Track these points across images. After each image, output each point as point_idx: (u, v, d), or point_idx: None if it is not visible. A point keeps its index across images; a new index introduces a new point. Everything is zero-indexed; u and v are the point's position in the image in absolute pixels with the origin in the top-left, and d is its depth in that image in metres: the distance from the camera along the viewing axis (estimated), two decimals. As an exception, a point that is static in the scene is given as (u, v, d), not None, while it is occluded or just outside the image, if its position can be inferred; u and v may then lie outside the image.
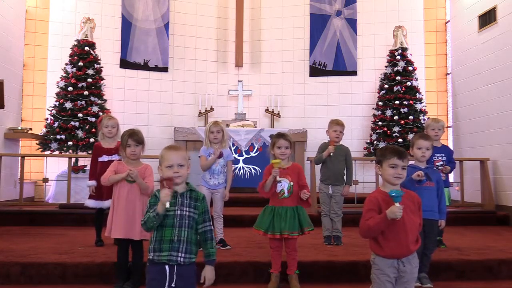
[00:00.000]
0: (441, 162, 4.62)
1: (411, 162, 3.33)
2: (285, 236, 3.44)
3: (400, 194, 2.38)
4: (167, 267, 2.29)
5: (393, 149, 2.54)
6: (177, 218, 2.32)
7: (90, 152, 4.74)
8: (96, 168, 4.51)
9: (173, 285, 2.28)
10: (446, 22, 8.78)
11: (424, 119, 7.77)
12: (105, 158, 4.47)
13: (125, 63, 8.77)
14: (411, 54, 8.34)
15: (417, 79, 8.23)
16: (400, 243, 2.45)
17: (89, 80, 7.53)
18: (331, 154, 4.67)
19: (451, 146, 8.08)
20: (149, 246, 2.34)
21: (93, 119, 7.30)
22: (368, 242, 2.59)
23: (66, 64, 7.67)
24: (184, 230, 2.32)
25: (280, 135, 3.60)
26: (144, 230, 2.38)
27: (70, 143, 7.19)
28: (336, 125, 4.76)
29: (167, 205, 2.26)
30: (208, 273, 2.36)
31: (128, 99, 8.74)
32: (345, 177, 4.81)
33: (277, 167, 3.44)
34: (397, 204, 2.36)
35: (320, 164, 4.86)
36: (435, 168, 4.50)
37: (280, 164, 3.45)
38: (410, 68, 8.15)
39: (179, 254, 2.29)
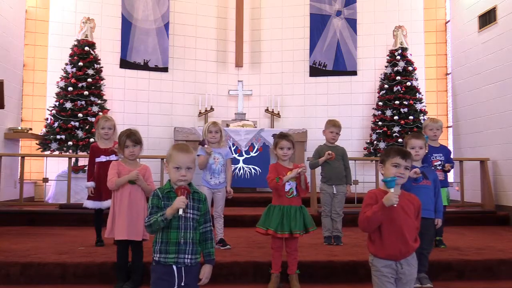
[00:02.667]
0: (439, 162, 4.63)
1: None
2: (297, 235, 3.45)
3: (393, 179, 2.39)
4: (174, 267, 2.30)
5: (397, 149, 2.57)
6: (182, 220, 2.32)
7: (89, 152, 4.72)
8: (94, 169, 4.51)
9: (182, 283, 2.30)
10: (446, 22, 8.78)
11: (424, 119, 7.77)
12: (103, 158, 4.46)
13: (125, 63, 8.77)
14: (411, 54, 8.34)
15: (417, 79, 8.23)
16: (396, 243, 2.45)
17: (89, 80, 7.53)
18: (329, 154, 4.65)
19: (451, 146, 8.09)
20: (154, 247, 2.35)
21: (93, 119, 7.29)
22: (367, 243, 2.60)
23: (66, 64, 7.67)
24: (189, 232, 2.33)
25: (283, 136, 3.58)
26: (148, 232, 2.39)
27: (70, 143, 7.20)
28: (333, 127, 4.77)
29: (180, 211, 2.25)
30: (207, 271, 2.40)
31: (128, 99, 8.74)
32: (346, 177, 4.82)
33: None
34: (391, 190, 2.37)
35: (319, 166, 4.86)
36: (433, 168, 4.51)
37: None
38: (410, 68, 8.15)
39: (186, 256, 2.31)
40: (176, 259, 2.29)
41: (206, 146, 4.35)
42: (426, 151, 4.32)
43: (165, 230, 2.32)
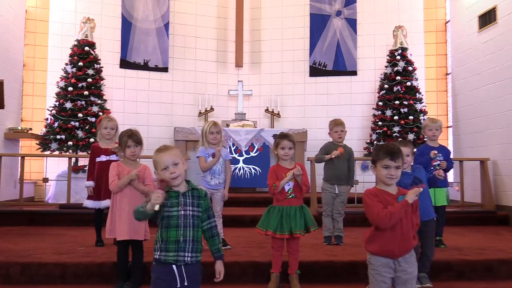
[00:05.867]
0: (438, 162, 4.61)
1: None
2: (297, 235, 3.44)
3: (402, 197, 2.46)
4: (174, 267, 2.29)
5: (386, 149, 2.53)
6: (181, 218, 2.31)
7: (89, 152, 4.73)
8: (94, 169, 4.51)
9: (185, 283, 2.29)
10: (446, 22, 8.78)
11: (424, 119, 7.77)
12: (103, 158, 4.46)
13: (125, 63, 8.77)
14: (411, 54, 8.34)
15: (417, 79, 8.23)
16: (395, 241, 2.44)
17: (89, 80, 7.53)
18: (333, 156, 4.67)
19: (451, 146, 8.09)
20: (155, 246, 2.34)
21: (93, 119, 7.30)
22: (364, 241, 2.59)
23: (66, 64, 7.67)
24: (189, 230, 2.32)
25: (284, 136, 3.58)
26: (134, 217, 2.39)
27: (70, 143, 7.20)
28: (336, 126, 4.76)
29: (156, 207, 2.23)
30: (221, 267, 2.41)
31: (128, 99, 8.74)
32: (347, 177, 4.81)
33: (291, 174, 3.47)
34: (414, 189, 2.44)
35: (323, 164, 4.86)
36: (432, 168, 4.50)
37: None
38: (410, 68, 8.16)
39: (186, 254, 2.30)
40: (176, 257, 2.28)
41: (218, 149, 4.36)
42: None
43: (165, 228, 2.30)
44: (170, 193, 2.34)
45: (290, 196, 3.51)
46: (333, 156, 4.65)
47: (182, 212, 2.31)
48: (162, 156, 2.34)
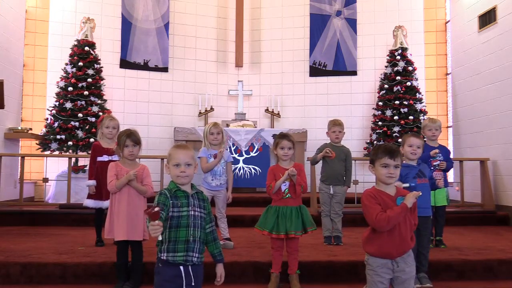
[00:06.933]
0: (438, 162, 4.61)
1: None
2: (291, 235, 3.44)
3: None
4: (182, 268, 2.28)
5: (384, 148, 2.51)
6: (190, 218, 2.32)
7: (90, 152, 4.72)
8: (95, 168, 4.51)
9: (193, 284, 2.30)
10: (446, 22, 8.78)
11: (424, 119, 7.76)
12: (105, 158, 4.45)
13: (125, 63, 8.77)
14: (411, 54, 8.34)
15: (417, 79, 8.23)
16: (393, 241, 2.44)
17: (89, 80, 7.53)
18: (327, 151, 4.65)
19: (451, 146, 8.09)
20: (160, 247, 2.31)
21: (93, 119, 7.30)
22: (362, 242, 2.59)
23: (66, 64, 7.67)
24: (197, 230, 2.33)
25: (283, 136, 3.59)
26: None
27: (70, 143, 7.19)
28: (334, 126, 4.76)
29: (160, 237, 2.19)
30: (223, 270, 2.44)
31: (128, 99, 8.74)
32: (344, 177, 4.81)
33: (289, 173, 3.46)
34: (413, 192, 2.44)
35: (321, 164, 4.86)
36: (432, 168, 4.51)
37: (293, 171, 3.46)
38: (410, 68, 8.15)
39: (194, 254, 2.31)
40: (185, 257, 2.28)
41: (221, 150, 4.37)
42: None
43: (173, 228, 2.30)
44: (179, 193, 2.35)
45: (286, 196, 3.51)
46: (326, 151, 4.64)
47: (192, 212, 2.32)
48: (178, 152, 2.38)
